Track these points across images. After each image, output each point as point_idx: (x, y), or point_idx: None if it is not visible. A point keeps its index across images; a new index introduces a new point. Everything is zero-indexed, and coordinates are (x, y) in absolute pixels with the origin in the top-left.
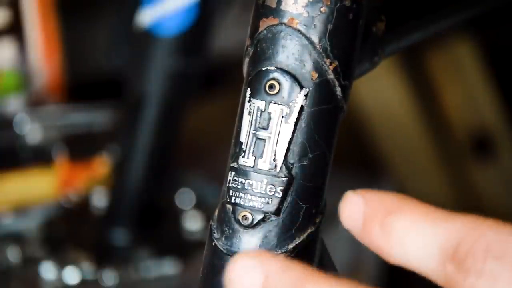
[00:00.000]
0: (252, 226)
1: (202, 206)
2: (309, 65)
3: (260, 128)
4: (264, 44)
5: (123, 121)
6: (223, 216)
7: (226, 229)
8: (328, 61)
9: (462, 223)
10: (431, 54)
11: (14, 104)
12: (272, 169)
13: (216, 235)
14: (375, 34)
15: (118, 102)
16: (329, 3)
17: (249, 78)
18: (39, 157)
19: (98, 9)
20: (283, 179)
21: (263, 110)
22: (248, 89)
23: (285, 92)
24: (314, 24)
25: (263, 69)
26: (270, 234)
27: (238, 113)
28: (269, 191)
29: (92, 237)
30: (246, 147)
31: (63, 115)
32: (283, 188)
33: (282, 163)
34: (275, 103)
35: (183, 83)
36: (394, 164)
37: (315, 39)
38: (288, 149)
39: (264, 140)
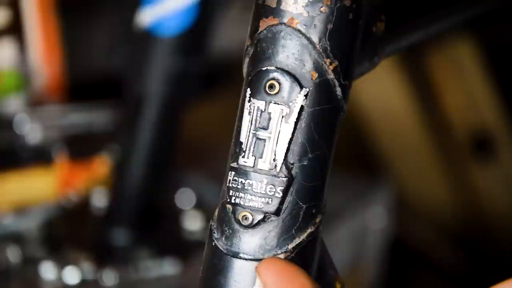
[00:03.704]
0: (252, 226)
1: (202, 206)
2: (309, 65)
3: (260, 128)
4: (264, 44)
5: (123, 121)
6: (223, 216)
7: (226, 229)
8: (328, 61)
9: None
10: (431, 54)
11: (14, 104)
12: (272, 169)
13: (216, 235)
14: (375, 34)
15: (118, 102)
16: (329, 3)
17: (249, 78)
18: (39, 157)
19: (98, 9)
20: (283, 179)
21: (263, 110)
22: (248, 89)
23: (285, 92)
24: (314, 24)
25: (263, 69)
26: (270, 234)
27: (238, 113)
28: (269, 191)
29: (92, 237)
30: (246, 147)
31: (63, 115)
32: (283, 188)
33: (282, 163)
34: (275, 103)
35: (183, 83)
36: (394, 164)
37: (315, 39)
38: (288, 149)
39: (264, 140)
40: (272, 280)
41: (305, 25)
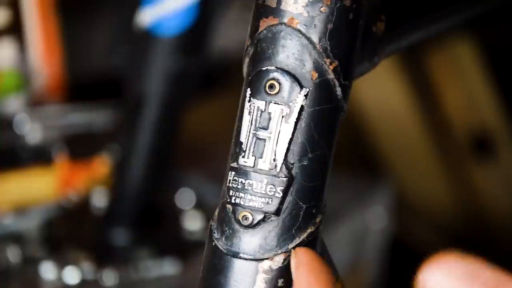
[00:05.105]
0: (252, 226)
1: (202, 206)
2: (309, 65)
3: (260, 128)
4: (264, 44)
5: (123, 121)
6: (223, 216)
7: (226, 229)
8: (328, 61)
9: None
10: (431, 54)
11: (14, 104)
12: (272, 169)
13: (216, 235)
14: (375, 34)
15: (118, 102)
16: (329, 3)
17: (249, 78)
18: (39, 157)
19: (98, 9)
20: (283, 179)
21: (263, 110)
22: (248, 89)
23: (285, 92)
24: (314, 24)
25: (263, 69)
26: (270, 234)
27: (238, 113)
28: (269, 191)
29: (92, 237)
30: (246, 147)
31: (63, 115)
32: (283, 188)
33: (282, 163)
34: (275, 103)
35: (183, 83)
36: (394, 164)
37: (315, 39)
38: (288, 149)
39: (264, 140)
40: (303, 275)
41: (305, 25)
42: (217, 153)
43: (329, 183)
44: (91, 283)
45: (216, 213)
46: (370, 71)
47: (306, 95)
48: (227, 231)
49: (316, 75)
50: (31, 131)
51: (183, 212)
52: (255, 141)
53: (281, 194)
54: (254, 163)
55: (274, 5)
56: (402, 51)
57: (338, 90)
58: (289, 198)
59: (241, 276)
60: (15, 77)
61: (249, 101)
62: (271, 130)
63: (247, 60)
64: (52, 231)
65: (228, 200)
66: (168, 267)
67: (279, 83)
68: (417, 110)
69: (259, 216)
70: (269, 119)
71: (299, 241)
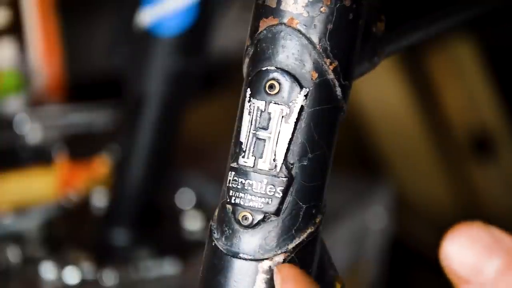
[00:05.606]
0: (252, 226)
1: (202, 206)
2: (309, 65)
3: (260, 128)
4: (264, 44)
5: (123, 121)
6: (223, 216)
7: (226, 229)
8: (328, 61)
9: None
10: (431, 54)
11: (14, 104)
12: (272, 169)
13: (216, 235)
14: (375, 34)
15: (118, 102)
16: (329, 3)
17: (249, 78)
18: (39, 157)
19: (98, 9)
20: (283, 179)
21: (263, 110)
22: (248, 89)
23: (285, 92)
24: (314, 24)
25: (263, 69)
26: (270, 234)
27: (238, 113)
28: (269, 191)
29: (92, 237)
30: (246, 147)
31: (63, 115)
32: (283, 188)
33: (282, 163)
34: (275, 103)
35: (183, 83)
36: (394, 164)
37: (315, 39)
38: (288, 149)
39: (264, 140)
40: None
41: (305, 25)
42: (217, 153)
43: (329, 183)
44: (91, 283)
45: (216, 213)
46: (370, 71)
47: (306, 95)
48: (227, 231)
49: (316, 75)
50: (31, 131)
51: (183, 212)
52: (255, 141)
53: (281, 194)
54: (254, 163)
55: (274, 5)
56: (402, 51)
57: (338, 90)
58: (289, 198)
59: (241, 276)
60: (15, 77)
61: (249, 101)
62: (271, 130)
63: (247, 60)
64: (52, 231)
65: (228, 200)
66: (168, 267)
67: (279, 83)
68: (417, 110)
69: (259, 216)
70: (269, 119)
71: (299, 241)
